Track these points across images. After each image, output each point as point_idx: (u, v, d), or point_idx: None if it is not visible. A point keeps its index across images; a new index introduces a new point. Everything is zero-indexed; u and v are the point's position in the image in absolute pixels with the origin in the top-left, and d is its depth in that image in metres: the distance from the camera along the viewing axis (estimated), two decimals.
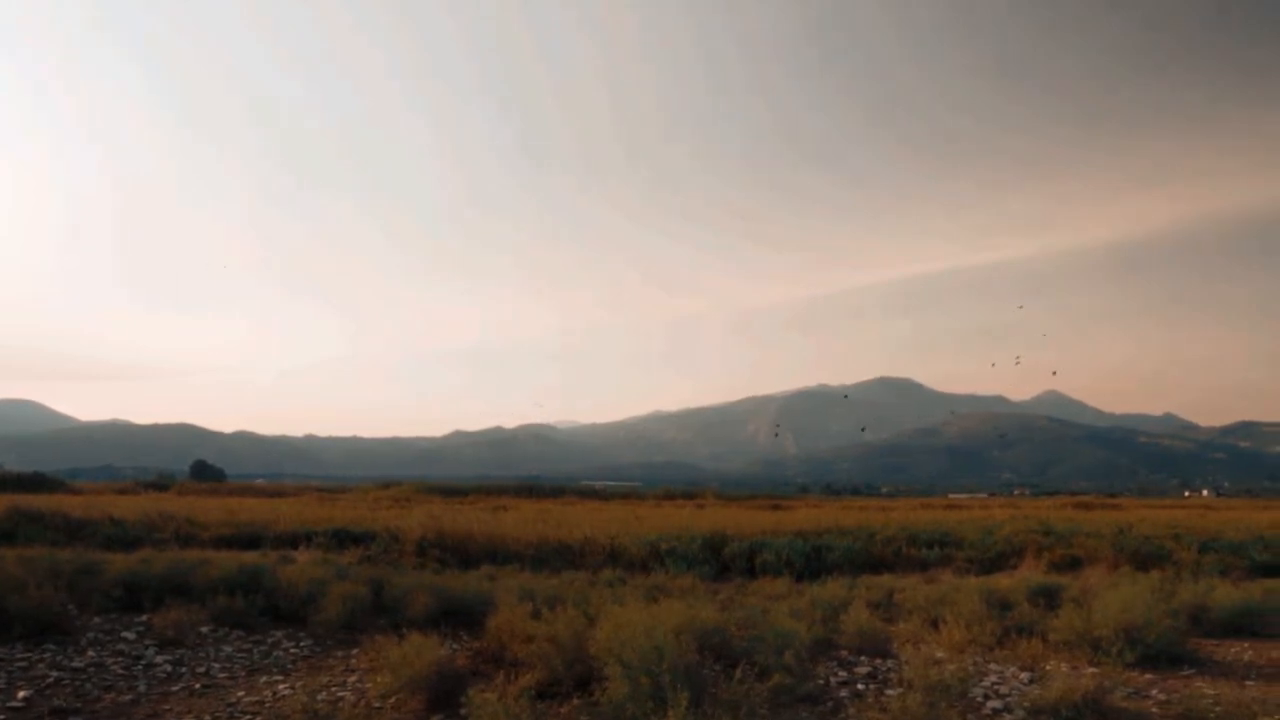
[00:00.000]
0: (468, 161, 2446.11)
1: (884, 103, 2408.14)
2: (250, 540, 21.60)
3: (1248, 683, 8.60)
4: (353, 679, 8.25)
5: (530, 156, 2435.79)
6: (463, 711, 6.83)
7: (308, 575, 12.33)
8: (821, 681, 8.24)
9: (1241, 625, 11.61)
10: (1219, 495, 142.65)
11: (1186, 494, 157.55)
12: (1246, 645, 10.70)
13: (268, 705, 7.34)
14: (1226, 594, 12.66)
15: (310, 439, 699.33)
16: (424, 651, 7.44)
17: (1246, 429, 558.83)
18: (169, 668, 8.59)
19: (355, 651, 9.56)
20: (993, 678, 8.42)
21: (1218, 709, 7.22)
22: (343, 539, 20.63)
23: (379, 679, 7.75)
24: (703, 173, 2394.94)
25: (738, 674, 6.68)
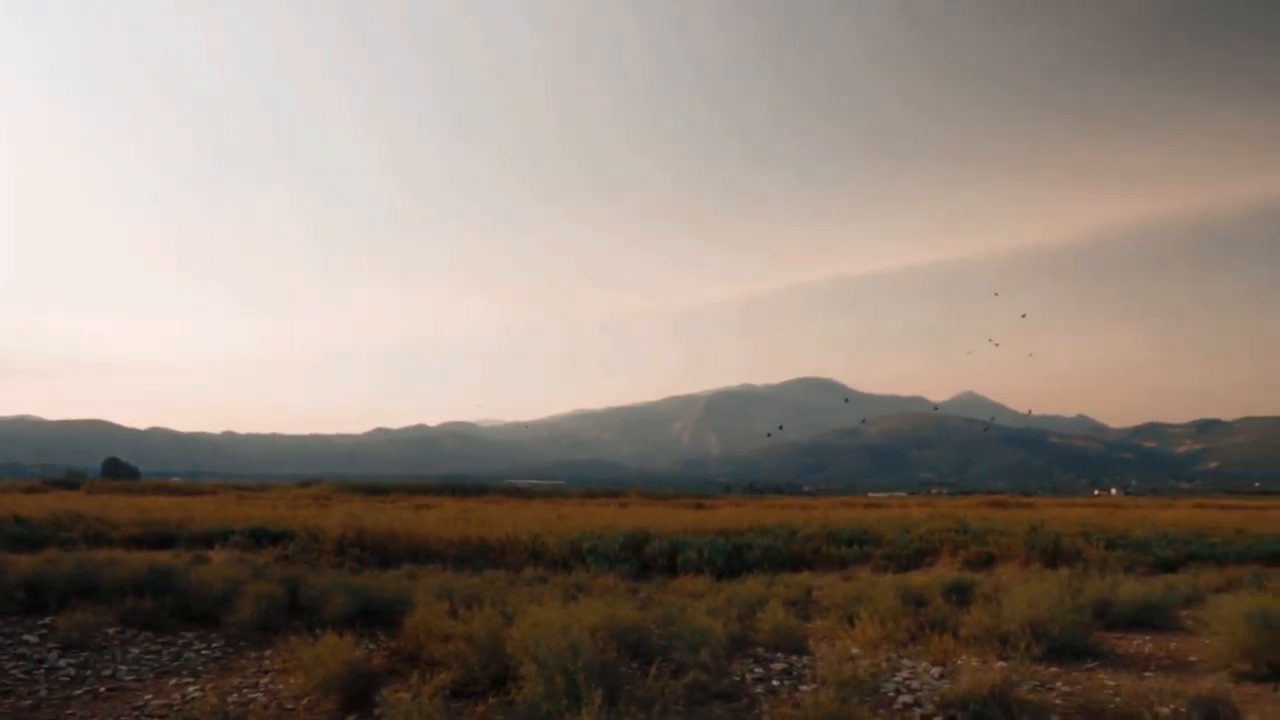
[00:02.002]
0: (404, 157, 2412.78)
1: (828, 97, 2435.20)
2: (163, 540, 21.05)
3: (1146, 674, 8.90)
4: (266, 680, 8.12)
5: (470, 153, 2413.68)
6: (377, 712, 6.79)
7: (222, 575, 12.08)
8: (737, 678, 8.33)
9: (1143, 619, 11.98)
10: (1127, 494, 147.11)
11: (1096, 493, 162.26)
12: (1147, 638, 11.05)
13: (176, 708, 7.19)
14: (1130, 589, 13.08)
15: (228, 436, 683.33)
16: (338, 651, 7.36)
17: (1153, 430, 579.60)
18: (72, 671, 8.35)
19: (269, 652, 9.40)
20: (905, 673, 8.57)
21: (1117, 700, 7.45)
22: (260, 538, 20.24)
23: (292, 680, 7.67)
24: (640, 169, 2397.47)
25: (653, 671, 6.75)
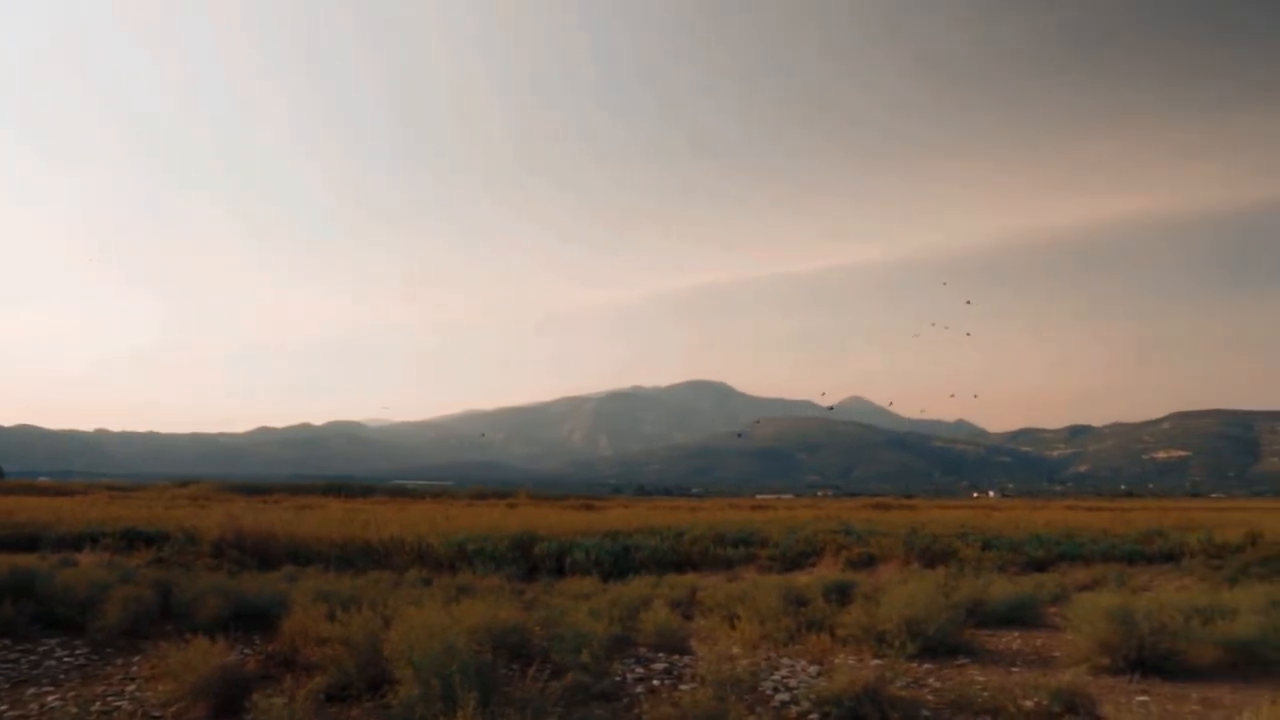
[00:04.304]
0: (340, 151, 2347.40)
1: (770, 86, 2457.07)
2: (28, 542, 20.02)
3: (1014, 669, 9.34)
4: (131, 688, 7.82)
5: (411, 148, 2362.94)
6: (248, 717, 6.62)
7: (88, 579, 11.55)
8: (618, 679, 8.38)
9: (1014, 617, 12.57)
10: (1003, 496, 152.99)
11: (975, 495, 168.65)
12: (1017, 635, 11.63)
13: (33, 719, 6.90)
14: (1002, 588, 13.69)
15: (101, 434, 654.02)
16: (209, 656, 7.15)
17: (1028, 435, 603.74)
18: None
19: (137, 659, 9.06)
20: (783, 671, 8.75)
21: (985, 694, 7.77)
22: (133, 540, 19.44)
23: (161, 687, 7.41)
24: (544, 159, 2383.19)
25: (531, 673, 6.76)
